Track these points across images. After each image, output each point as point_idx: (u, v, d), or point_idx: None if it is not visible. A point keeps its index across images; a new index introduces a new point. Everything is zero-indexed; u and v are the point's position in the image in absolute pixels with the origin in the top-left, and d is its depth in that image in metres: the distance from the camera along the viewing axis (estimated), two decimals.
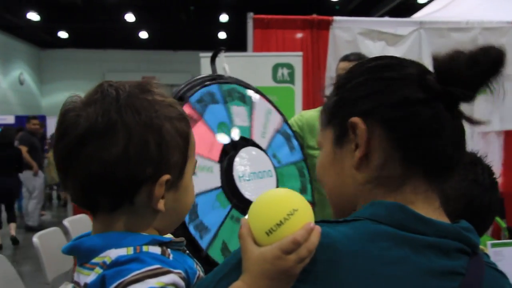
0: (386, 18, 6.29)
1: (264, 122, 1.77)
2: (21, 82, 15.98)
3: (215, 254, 1.39)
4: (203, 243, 1.38)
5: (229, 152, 1.57)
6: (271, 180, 1.68)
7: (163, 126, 0.68)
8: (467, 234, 0.66)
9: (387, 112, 0.68)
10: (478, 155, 1.15)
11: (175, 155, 0.70)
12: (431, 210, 0.68)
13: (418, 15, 5.05)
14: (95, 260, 0.65)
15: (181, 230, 1.33)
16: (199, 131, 1.49)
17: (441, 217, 0.69)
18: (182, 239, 0.76)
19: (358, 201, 0.71)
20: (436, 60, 0.66)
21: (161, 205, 0.70)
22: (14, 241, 6.32)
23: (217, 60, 1.87)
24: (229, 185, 1.52)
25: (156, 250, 0.68)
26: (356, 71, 0.74)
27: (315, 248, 0.60)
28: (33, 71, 16.99)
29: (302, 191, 1.82)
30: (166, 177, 0.69)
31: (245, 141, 1.65)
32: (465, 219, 0.70)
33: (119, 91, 0.68)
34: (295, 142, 1.89)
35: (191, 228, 1.36)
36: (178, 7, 12.70)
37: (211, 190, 1.49)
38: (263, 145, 1.72)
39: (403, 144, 0.67)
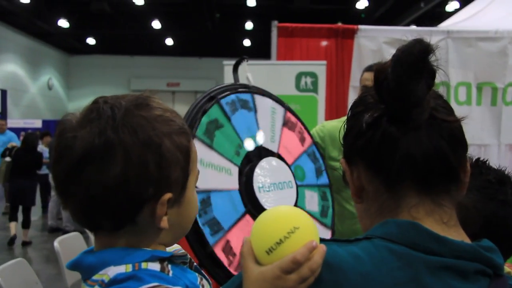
0: (412, 27, 6.22)
1: (271, 123, 1.75)
2: (50, 87, 16.34)
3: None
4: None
5: (252, 160, 1.56)
6: (291, 191, 1.66)
7: (162, 144, 0.66)
8: (488, 255, 0.62)
9: (356, 145, 0.69)
10: (506, 172, 1.10)
11: (176, 171, 0.68)
12: (441, 227, 0.65)
13: (445, 24, 4.97)
14: (95, 277, 0.65)
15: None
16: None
17: (458, 235, 0.65)
18: (184, 252, 0.76)
19: (372, 221, 0.71)
20: (375, 73, 0.65)
21: (164, 222, 0.68)
22: (24, 243, 6.41)
23: (240, 68, 1.86)
24: (247, 193, 1.51)
25: (155, 266, 0.66)
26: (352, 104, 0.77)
27: (319, 267, 0.59)
28: (61, 76, 17.36)
29: (322, 215, 1.79)
30: (168, 195, 0.67)
31: (271, 153, 1.64)
32: (494, 241, 0.66)
33: (115, 109, 0.65)
34: (323, 167, 1.87)
35: (200, 222, 1.35)
36: (204, 14, 12.82)
37: (228, 190, 1.49)
38: (289, 161, 1.70)
39: (375, 169, 0.68)
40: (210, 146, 1.45)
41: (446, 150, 0.64)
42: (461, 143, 0.67)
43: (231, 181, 1.50)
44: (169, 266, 0.68)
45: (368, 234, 0.65)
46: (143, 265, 0.65)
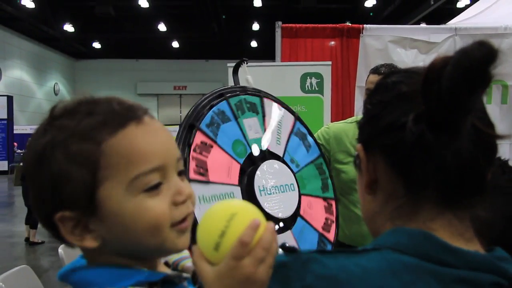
0: (419, 25, 6.17)
1: (278, 127, 1.73)
2: (56, 93, 16.46)
3: None
4: None
5: (246, 170, 1.54)
6: (294, 194, 1.64)
7: (52, 157, 0.61)
8: (502, 265, 0.59)
9: (380, 139, 0.64)
10: None
11: (68, 186, 0.60)
12: (456, 239, 0.62)
13: (453, 22, 4.91)
14: None
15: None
16: (215, 157, 1.48)
17: (471, 246, 0.62)
18: (178, 274, 0.70)
19: (381, 222, 0.68)
20: (427, 70, 0.57)
21: (84, 242, 0.62)
22: (32, 243, 6.54)
23: (241, 71, 1.83)
24: (250, 199, 1.49)
25: None
26: (369, 93, 0.71)
27: (271, 243, 0.57)
28: (67, 81, 17.50)
29: (324, 188, 1.78)
30: (59, 214, 0.61)
31: (264, 154, 1.61)
32: None
33: (39, 128, 0.64)
34: (310, 139, 1.84)
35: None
36: (210, 16, 12.84)
37: (229, 184, 1.48)
38: (280, 152, 1.68)
39: (401, 170, 0.63)
40: (206, 182, 1.44)
41: (482, 164, 0.61)
42: (494, 156, 0.63)
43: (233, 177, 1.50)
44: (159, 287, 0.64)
45: (377, 245, 0.62)
46: None
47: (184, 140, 1.43)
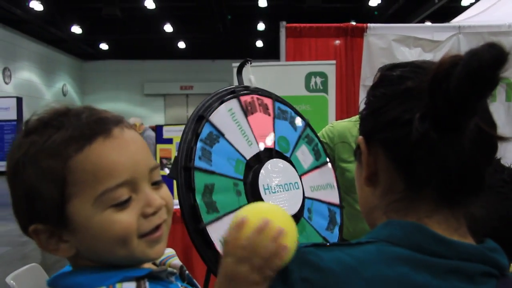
0: (422, 24, 6.15)
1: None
2: (64, 94, 16.55)
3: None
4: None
5: (253, 166, 1.55)
6: (298, 192, 1.65)
7: (24, 172, 0.62)
8: (493, 255, 0.61)
9: (383, 133, 0.64)
10: None
11: (39, 201, 0.62)
12: (450, 234, 0.62)
13: (457, 20, 4.90)
14: None
15: (187, 196, 1.34)
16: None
17: (463, 238, 0.63)
18: (163, 268, 0.72)
19: (378, 214, 0.69)
20: (435, 69, 0.57)
21: (59, 252, 0.64)
22: None
23: (245, 71, 1.85)
24: (254, 197, 1.50)
25: (131, 286, 0.64)
26: (373, 84, 0.70)
27: (259, 245, 0.59)
28: (75, 82, 17.57)
29: (317, 158, 1.80)
30: (32, 227, 0.63)
31: (270, 153, 1.63)
32: (508, 242, 0.65)
33: (15, 142, 0.66)
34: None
35: (199, 198, 1.35)
36: (215, 17, 12.87)
37: (232, 177, 1.48)
38: (287, 153, 1.68)
39: (402, 166, 0.63)
40: (210, 171, 1.44)
41: (482, 165, 0.62)
42: (494, 156, 0.64)
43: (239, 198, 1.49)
44: (147, 283, 0.66)
45: (371, 237, 0.63)
46: (118, 286, 0.63)
47: (193, 129, 1.44)
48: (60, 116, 0.64)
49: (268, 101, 1.73)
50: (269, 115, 1.73)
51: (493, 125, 0.62)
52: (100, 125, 0.63)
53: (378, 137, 0.65)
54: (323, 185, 1.77)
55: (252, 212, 0.62)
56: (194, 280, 0.78)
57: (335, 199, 1.81)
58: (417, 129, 0.58)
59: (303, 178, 1.70)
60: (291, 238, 0.61)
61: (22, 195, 0.63)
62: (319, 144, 1.83)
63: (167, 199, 0.68)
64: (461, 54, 0.54)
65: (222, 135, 1.50)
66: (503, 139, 0.61)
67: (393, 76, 0.66)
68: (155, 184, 0.68)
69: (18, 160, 0.62)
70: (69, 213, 0.62)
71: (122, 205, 0.63)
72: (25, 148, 0.63)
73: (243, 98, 1.62)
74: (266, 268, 0.59)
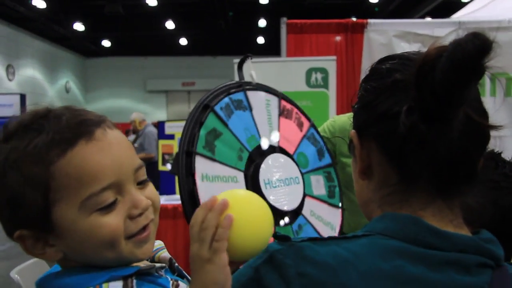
0: (423, 20, 6.13)
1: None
2: (67, 90, 16.56)
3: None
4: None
5: (255, 160, 1.56)
6: (298, 187, 1.66)
7: (6, 177, 0.60)
8: (488, 246, 0.61)
9: (374, 127, 0.65)
10: None
11: (23, 207, 0.60)
12: (446, 225, 0.62)
13: (457, 15, 4.90)
14: None
15: (186, 181, 1.35)
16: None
17: (460, 231, 0.63)
18: (151, 265, 0.70)
19: (373, 207, 0.69)
20: (420, 61, 0.57)
21: (46, 256, 0.64)
22: None
23: (246, 66, 1.86)
24: (255, 191, 1.52)
25: (117, 285, 0.63)
26: (364, 77, 0.71)
27: (207, 221, 0.59)
28: (78, 79, 17.56)
29: (330, 196, 1.79)
30: (17, 233, 0.62)
31: (272, 148, 1.64)
32: (504, 231, 0.66)
33: None
34: (324, 148, 1.87)
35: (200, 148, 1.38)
36: (217, 13, 12.85)
37: (234, 168, 1.50)
38: (290, 150, 1.71)
39: (394, 159, 0.64)
40: (213, 159, 1.45)
41: (473, 154, 0.61)
42: (486, 145, 0.63)
43: (239, 187, 1.50)
44: (134, 281, 0.65)
45: (366, 231, 0.63)
46: (104, 286, 0.62)
47: (197, 118, 1.45)
48: (40, 118, 0.63)
49: (305, 121, 1.77)
50: (301, 131, 1.76)
51: (483, 114, 0.62)
52: (82, 128, 0.62)
53: (369, 130, 0.66)
54: (325, 221, 1.75)
55: (220, 196, 0.62)
56: (184, 272, 0.76)
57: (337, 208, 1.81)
58: (404, 121, 0.58)
59: (308, 199, 1.69)
60: (263, 223, 0.62)
61: (5, 201, 0.61)
62: (337, 188, 1.83)
63: (153, 197, 0.68)
64: (446, 45, 0.55)
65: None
66: (494, 127, 0.61)
67: (383, 69, 0.66)
68: (141, 184, 0.67)
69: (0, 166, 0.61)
70: (55, 218, 0.61)
71: (107, 208, 0.62)
72: (5, 153, 0.61)
73: (250, 93, 1.63)
74: (212, 240, 0.58)
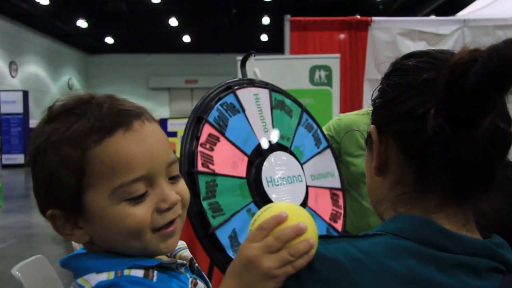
0: (427, 17, 6.11)
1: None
2: (70, 87, 16.61)
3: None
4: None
5: (254, 162, 1.55)
6: (301, 185, 1.65)
7: (45, 157, 0.63)
8: (500, 251, 0.60)
9: (396, 125, 0.63)
10: None
11: (57, 188, 0.62)
12: (458, 229, 0.61)
13: (462, 13, 4.88)
14: (80, 281, 0.64)
15: (194, 202, 1.34)
16: (222, 150, 1.49)
17: (471, 234, 0.62)
18: (173, 260, 0.71)
19: (386, 205, 0.68)
20: (453, 65, 0.55)
21: (74, 237, 0.66)
22: None
23: (249, 64, 1.84)
24: (257, 189, 1.51)
25: (138, 273, 0.64)
26: (387, 72, 0.68)
27: (288, 238, 0.57)
28: (81, 76, 17.62)
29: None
30: (50, 212, 0.64)
31: (273, 146, 1.63)
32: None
33: (38, 126, 0.67)
34: (319, 133, 1.85)
35: (205, 204, 1.36)
36: (221, 10, 12.84)
37: (235, 177, 1.48)
38: (287, 144, 1.69)
39: (413, 159, 0.62)
40: (214, 174, 1.44)
41: (495, 162, 0.60)
42: (507, 153, 0.62)
43: (240, 170, 1.50)
44: (155, 272, 0.66)
45: (378, 230, 0.63)
46: (126, 272, 0.63)
47: (192, 133, 1.43)
48: (83, 104, 0.64)
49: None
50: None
51: (509, 121, 0.61)
52: (121, 117, 0.63)
53: (390, 128, 0.64)
54: (324, 173, 1.77)
55: (292, 212, 0.61)
56: (203, 273, 0.77)
57: (337, 185, 1.83)
58: (431, 124, 0.57)
59: (304, 166, 1.69)
60: (315, 245, 0.61)
61: (42, 180, 0.63)
62: (319, 131, 1.82)
63: (183, 193, 0.68)
64: (479, 49, 0.53)
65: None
66: None
67: (408, 66, 0.64)
68: (173, 179, 0.68)
69: (39, 146, 0.63)
70: (85, 202, 0.63)
71: (137, 199, 0.63)
72: (46, 134, 0.63)
73: (239, 93, 1.61)
74: (290, 266, 0.58)
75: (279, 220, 0.59)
